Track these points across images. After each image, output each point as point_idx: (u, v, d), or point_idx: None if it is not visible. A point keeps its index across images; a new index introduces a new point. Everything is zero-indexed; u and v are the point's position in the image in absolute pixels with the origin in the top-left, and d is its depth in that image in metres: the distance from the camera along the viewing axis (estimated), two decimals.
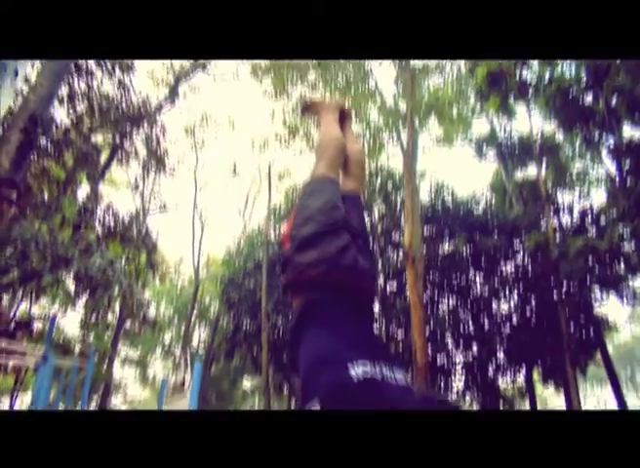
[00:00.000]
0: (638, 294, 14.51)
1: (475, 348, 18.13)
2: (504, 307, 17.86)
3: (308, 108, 2.57)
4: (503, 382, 19.08)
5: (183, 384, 6.56)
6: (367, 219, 18.56)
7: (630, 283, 14.61)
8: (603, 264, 13.52)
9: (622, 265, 13.78)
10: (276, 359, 17.54)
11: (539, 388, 22.12)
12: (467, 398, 19.28)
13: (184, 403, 6.26)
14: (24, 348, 5.26)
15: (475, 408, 19.20)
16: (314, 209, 1.93)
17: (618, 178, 14.27)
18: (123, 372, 31.98)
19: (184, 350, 21.31)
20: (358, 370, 1.48)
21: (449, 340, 18.14)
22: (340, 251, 1.81)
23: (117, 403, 31.21)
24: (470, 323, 18.37)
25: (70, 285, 10.14)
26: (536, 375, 18.82)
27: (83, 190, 11.31)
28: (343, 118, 2.44)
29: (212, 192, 46.34)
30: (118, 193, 22.97)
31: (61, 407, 10.79)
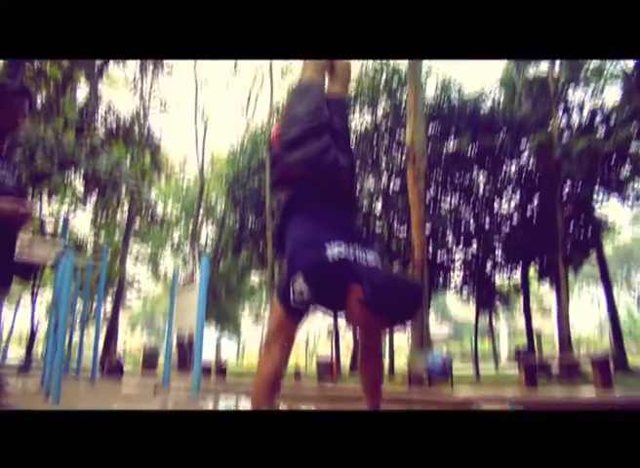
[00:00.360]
0: None
1: (475, 246, 18.58)
2: (505, 207, 18.01)
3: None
4: (500, 279, 19.85)
5: (193, 277, 6.97)
6: (371, 117, 18.29)
7: (635, 185, 14.64)
8: (607, 165, 13.45)
9: (627, 167, 13.72)
10: (281, 255, 18.18)
11: (534, 285, 22.96)
12: (464, 292, 20.19)
13: (194, 295, 6.71)
14: (46, 243, 5.57)
15: (471, 303, 20.16)
16: (300, 112, 2.14)
17: (635, 74, 13.72)
18: (135, 269, 33.18)
19: (193, 246, 22.06)
20: (334, 250, 1.76)
21: (449, 238, 18.58)
22: (322, 151, 2.05)
23: (132, 298, 32.71)
24: (471, 221, 18.66)
25: (79, 186, 10.29)
26: (532, 273, 19.54)
27: (83, 91, 11.07)
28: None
29: (213, 90, 44.82)
30: (117, 93, 22.32)
31: (79, 303, 11.43)
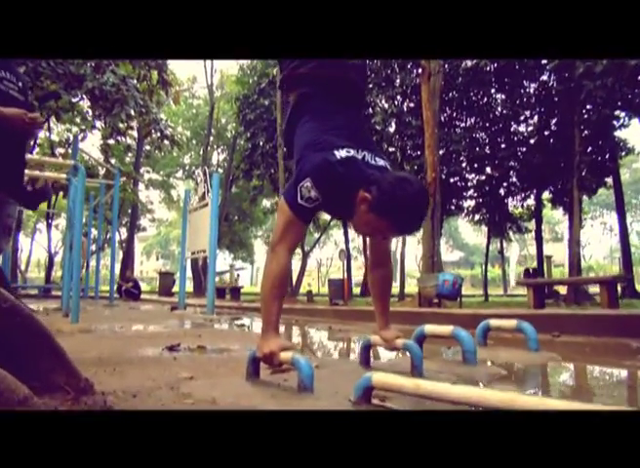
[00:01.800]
0: None
1: (489, 169, 18.18)
2: (522, 129, 17.40)
3: None
4: (513, 203, 19.61)
5: (204, 197, 6.94)
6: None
7: None
8: (631, 85, 12.74)
9: None
10: (289, 157, 17.93)
11: (547, 211, 22.76)
12: (477, 216, 20.10)
13: (206, 215, 6.69)
14: (57, 161, 5.51)
15: (483, 228, 20.10)
16: None
17: None
18: (149, 194, 33.37)
19: (203, 167, 21.96)
20: (342, 153, 1.67)
21: (463, 161, 18.14)
22: None
23: (146, 223, 33.09)
24: (487, 143, 18.14)
25: (86, 107, 10.00)
26: (546, 197, 19.27)
27: None
28: None
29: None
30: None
31: (94, 226, 11.48)
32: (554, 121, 16.55)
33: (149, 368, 2.23)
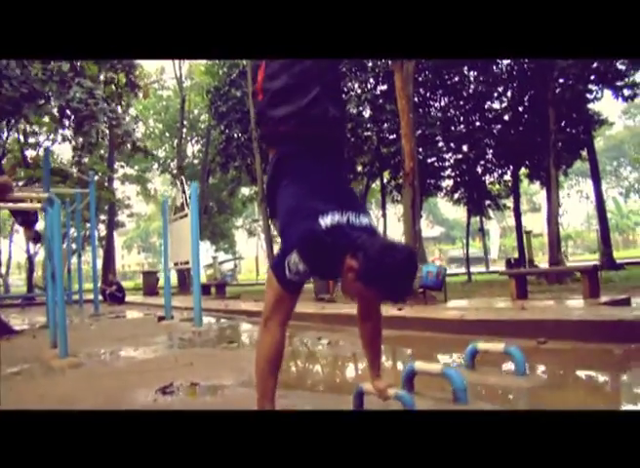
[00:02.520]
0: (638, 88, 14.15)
1: (465, 148, 18.25)
2: (497, 106, 17.47)
3: None
4: (491, 180, 19.78)
5: (183, 206, 6.86)
6: None
7: (632, 76, 14.13)
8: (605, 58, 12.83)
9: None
10: (272, 216, 17.83)
11: (525, 185, 23.03)
12: (456, 195, 20.25)
13: (187, 220, 6.63)
14: (30, 193, 5.41)
15: (462, 206, 20.29)
16: (284, 61, 1.90)
17: None
18: (125, 189, 32.84)
19: (179, 174, 21.79)
20: (327, 221, 1.66)
21: (440, 142, 18.18)
22: (311, 102, 1.85)
23: (124, 219, 32.64)
24: (462, 122, 18.19)
25: (52, 118, 9.70)
26: (523, 173, 19.50)
27: None
28: None
29: None
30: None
31: (73, 231, 11.33)
32: (527, 97, 16.63)
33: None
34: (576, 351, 3.55)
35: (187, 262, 6.60)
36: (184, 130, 26.73)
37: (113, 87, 10.32)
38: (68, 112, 8.07)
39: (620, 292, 6.66)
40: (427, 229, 62.01)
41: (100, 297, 12.50)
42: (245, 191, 27.45)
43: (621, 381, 2.77)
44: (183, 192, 6.74)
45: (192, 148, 29.94)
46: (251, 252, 40.82)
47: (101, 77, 10.04)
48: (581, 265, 6.98)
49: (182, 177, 7.31)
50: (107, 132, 14.95)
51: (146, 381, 3.28)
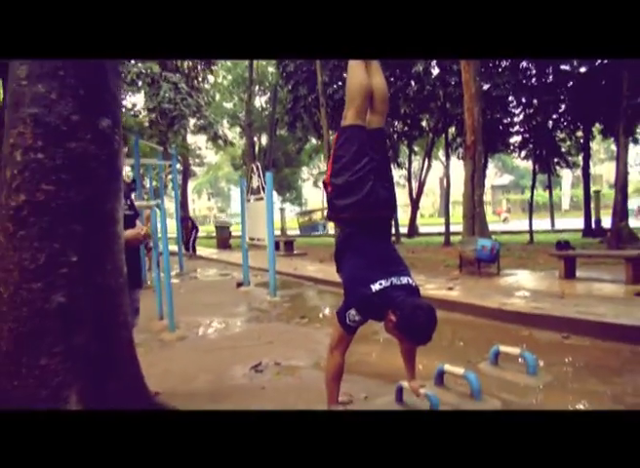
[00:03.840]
0: None
1: (536, 101, 17.69)
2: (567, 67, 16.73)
3: None
4: (561, 135, 19.21)
5: (259, 189, 7.78)
6: None
7: None
8: None
9: None
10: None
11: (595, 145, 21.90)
12: (524, 152, 19.90)
13: (262, 203, 7.55)
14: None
15: (529, 162, 19.93)
16: (346, 159, 2.62)
17: None
18: (196, 139, 34.26)
19: (254, 160, 22.76)
20: (376, 287, 2.44)
21: (510, 97, 17.75)
22: (366, 193, 2.61)
23: (196, 170, 34.19)
24: (534, 75, 17.61)
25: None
26: (597, 129, 18.81)
27: None
28: None
29: None
30: None
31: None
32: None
33: (249, 402, 3.17)
34: (593, 348, 4.19)
35: (264, 239, 7.60)
36: (252, 88, 27.42)
37: (192, 72, 11.01)
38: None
39: None
40: (496, 178, 60.36)
41: (184, 252, 13.95)
42: (311, 145, 28.13)
43: (618, 382, 3.42)
44: (259, 176, 7.61)
45: (260, 101, 30.69)
46: (316, 202, 41.99)
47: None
48: (626, 253, 7.30)
49: (258, 164, 8.11)
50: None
51: (239, 357, 4.28)
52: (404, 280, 2.55)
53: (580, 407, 3.01)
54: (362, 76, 2.65)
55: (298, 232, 28.42)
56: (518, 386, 3.38)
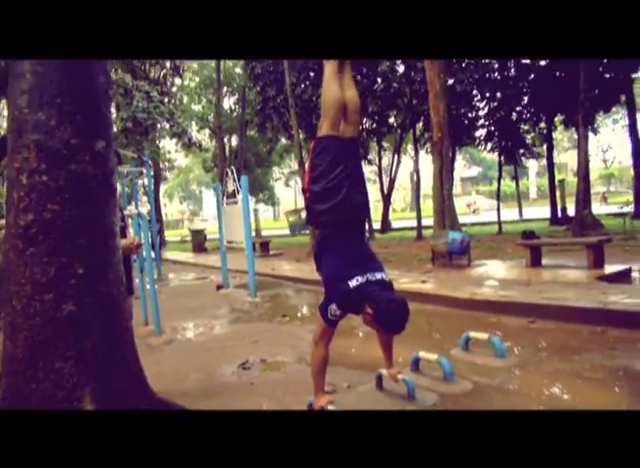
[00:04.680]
0: None
1: (499, 94, 18.18)
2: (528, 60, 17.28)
3: None
4: (525, 127, 19.82)
5: (234, 193, 7.96)
6: None
7: None
8: None
9: None
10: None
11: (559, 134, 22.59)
12: (489, 145, 20.47)
13: (239, 206, 7.73)
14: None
15: (495, 154, 20.53)
16: (322, 168, 2.84)
17: None
18: (165, 144, 34.02)
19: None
20: (353, 283, 2.68)
21: (474, 89, 18.19)
22: (342, 199, 2.85)
23: (167, 174, 33.94)
24: (497, 69, 18.12)
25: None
26: (558, 119, 19.48)
27: None
28: (343, 62, 3.00)
29: None
30: None
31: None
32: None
33: (240, 397, 3.38)
34: (557, 331, 4.53)
35: (241, 242, 7.78)
36: (220, 89, 27.39)
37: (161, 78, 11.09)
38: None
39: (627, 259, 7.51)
40: (464, 169, 61.47)
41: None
42: (281, 144, 28.27)
43: (577, 360, 3.75)
44: (234, 180, 7.78)
45: (229, 102, 30.67)
46: (289, 202, 42.20)
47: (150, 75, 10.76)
48: (586, 240, 7.73)
49: (233, 168, 8.28)
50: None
51: (226, 357, 4.47)
52: (378, 276, 2.79)
53: (544, 384, 3.32)
54: (336, 90, 2.88)
55: (277, 232, 28.59)
56: (487, 368, 3.67)
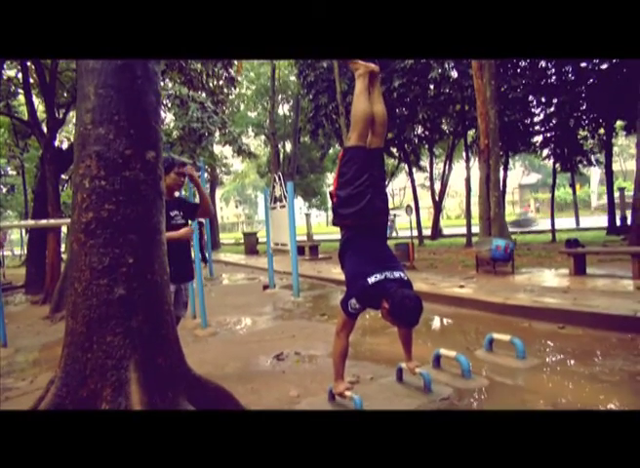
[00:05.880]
0: None
1: (556, 101, 17.80)
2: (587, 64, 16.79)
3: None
4: (583, 133, 19.22)
5: (281, 198, 8.37)
6: None
7: None
8: None
9: None
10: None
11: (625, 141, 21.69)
12: (545, 151, 19.99)
13: (285, 210, 8.12)
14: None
15: (551, 160, 20.01)
16: (349, 176, 3.12)
17: None
18: (222, 150, 35.23)
19: (282, 171, 23.47)
20: (372, 280, 2.93)
21: (529, 95, 17.89)
22: (365, 204, 3.12)
23: (223, 179, 35.07)
24: (554, 74, 17.73)
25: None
26: (619, 125, 18.77)
27: None
28: (373, 78, 3.27)
29: None
30: None
31: None
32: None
33: (271, 383, 3.71)
34: (585, 337, 4.59)
35: (287, 244, 8.16)
36: (275, 98, 28.17)
37: (212, 84, 11.61)
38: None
39: None
40: (523, 176, 59.80)
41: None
42: (334, 150, 28.70)
43: (598, 364, 3.83)
44: (281, 186, 8.19)
45: (283, 109, 31.44)
46: None
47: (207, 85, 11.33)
48: (632, 249, 7.59)
49: (280, 174, 8.69)
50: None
51: (264, 349, 4.82)
52: (396, 274, 3.04)
53: (557, 384, 3.44)
54: (365, 104, 3.16)
55: (328, 237, 28.99)
56: (506, 368, 3.83)
